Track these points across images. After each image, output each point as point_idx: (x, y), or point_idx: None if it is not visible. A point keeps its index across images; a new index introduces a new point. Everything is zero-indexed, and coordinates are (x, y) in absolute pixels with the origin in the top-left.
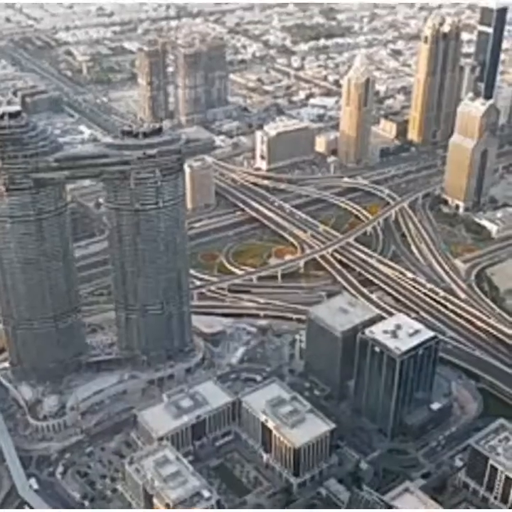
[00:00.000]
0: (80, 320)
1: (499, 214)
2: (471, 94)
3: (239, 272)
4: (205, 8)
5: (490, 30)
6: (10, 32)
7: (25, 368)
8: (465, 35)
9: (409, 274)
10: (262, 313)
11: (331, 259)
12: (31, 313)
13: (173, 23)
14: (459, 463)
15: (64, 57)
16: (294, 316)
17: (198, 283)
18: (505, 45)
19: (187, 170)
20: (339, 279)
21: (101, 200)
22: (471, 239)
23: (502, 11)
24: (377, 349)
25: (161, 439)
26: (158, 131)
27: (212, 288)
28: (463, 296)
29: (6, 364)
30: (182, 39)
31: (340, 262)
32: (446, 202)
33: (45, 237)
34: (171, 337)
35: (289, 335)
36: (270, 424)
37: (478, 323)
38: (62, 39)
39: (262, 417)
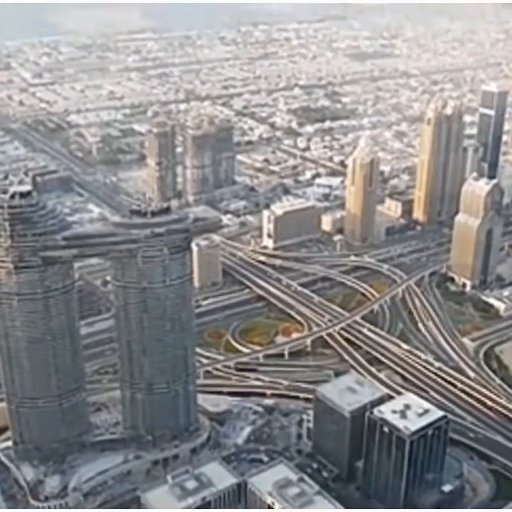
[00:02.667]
0: (84, 399)
1: (506, 292)
2: (474, 174)
3: (245, 351)
4: (214, 92)
5: (492, 112)
6: (23, 115)
7: (28, 448)
8: (467, 117)
9: (417, 353)
10: (268, 392)
11: (338, 338)
12: (35, 392)
13: (182, 106)
14: None
15: (75, 139)
16: (301, 395)
17: (204, 361)
18: (506, 126)
19: (194, 248)
20: (346, 357)
21: (108, 278)
22: (478, 317)
23: (503, 95)
24: (386, 429)
25: None
26: (166, 211)
27: (219, 366)
28: (472, 375)
29: (9, 443)
30: (190, 121)
31: (347, 340)
32: (453, 280)
33: (52, 314)
34: (176, 416)
35: (296, 414)
36: (277, 507)
37: (489, 402)
38: (73, 121)
39: (269, 499)
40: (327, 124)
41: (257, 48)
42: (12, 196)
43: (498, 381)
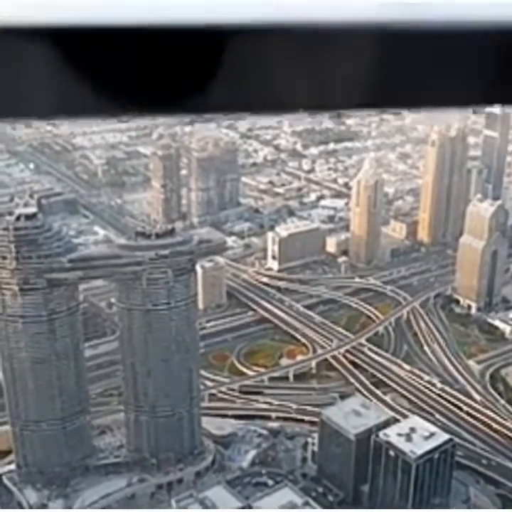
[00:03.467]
0: (88, 421)
1: None
2: (479, 196)
3: (250, 373)
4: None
5: (496, 134)
6: (29, 137)
7: (32, 471)
8: (471, 139)
9: (423, 375)
10: (273, 415)
11: (343, 360)
12: (39, 414)
13: (187, 129)
14: None
15: (80, 161)
16: (306, 418)
17: (209, 384)
18: (510, 148)
19: (199, 270)
20: (351, 380)
21: (113, 300)
22: (484, 339)
23: (507, 116)
24: (391, 453)
25: None
26: (171, 232)
27: (223, 389)
28: (478, 397)
29: (12, 466)
30: (195, 143)
31: (352, 362)
32: (458, 302)
33: (57, 337)
34: (180, 439)
35: (301, 437)
36: None
37: (495, 425)
38: (79, 144)
39: None
40: (331, 146)
41: None
42: (17, 218)
43: (504, 404)
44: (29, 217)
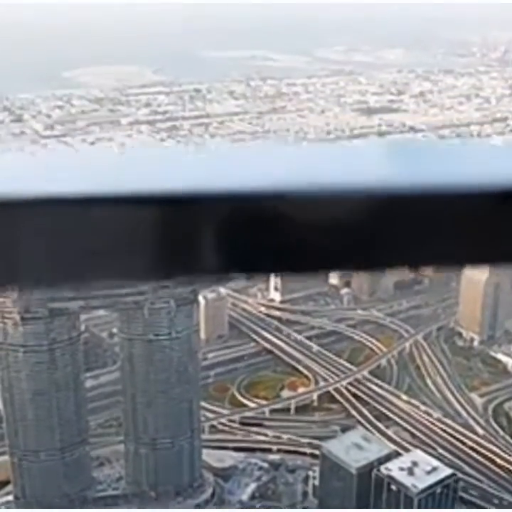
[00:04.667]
0: (87, 453)
1: None
2: None
3: (251, 405)
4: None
5: None
6: None
7: (30, 502)
8: None
9: (425, 409)
10: (274, 447)
11: (345, 393)
12: (38, 445)
13: None
14: None
15: None
16: (308, 451)
17: (210, 415)
18: None
19: (201, 301)
20: (353, 413)
21: (114, 330)
22: (487, 372)
23: None
24: (393, 487)
25: None
26: None
27: (224, 421)
28: (481, 431)
29: (10, 498)
30: None
31: (354, 395)
32: (460, 335)
33: (57, 366)
34: (180, 472)
35: (302, 471)
36: None
37: (498, 460)
38: None
39: None
40: None
41: (265, 102)
42: None
43: (508, 438)
44: None
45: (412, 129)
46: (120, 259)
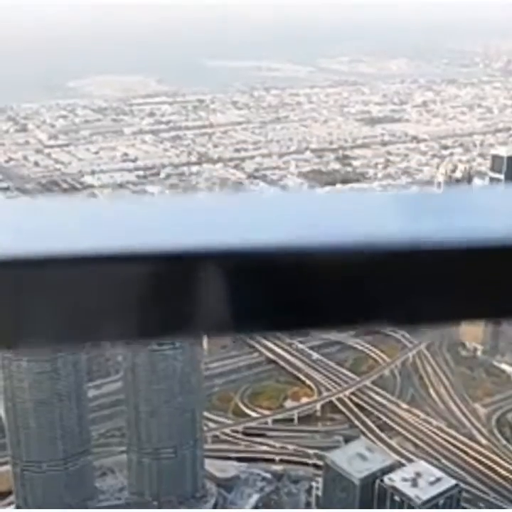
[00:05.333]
0: (90, 463)
1: None
2: None
3: (254, 415)
4: (226, 155)
5: (501, 176)
6: (38, 175)
7: None
8: (477, 181)
9: (429, 419)
10: (277, 457)
11: (349, 403)
12: (40, 455)
13: (195, 169)
14: None
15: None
16: (311, 462)
17: (212, 425)
18: None
19: None
20: (356, 423)
21: None
22: (490, 383)
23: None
24: (397, 498)
25: None
26: None
27: (227, 431)
28: (484, 442)
29: (12, 508)
30: (202, 183)
31: (357, 405)
32: (464, 345)
33: (60, 376)
34: (183, 482)
35: (305, 481)
36: None
37: (502, 471)
38: (87, 182)
39: None
40: (338, 186)
41: (269, 112)
42: None
43: None
44: None
45: (415, 138)
46: (128, 318)
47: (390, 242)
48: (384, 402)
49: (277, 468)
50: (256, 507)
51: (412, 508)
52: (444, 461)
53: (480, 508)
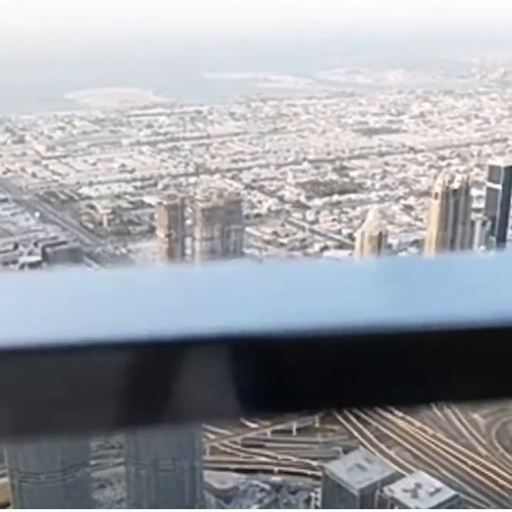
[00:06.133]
0: (88, 474)
1: None
2: (483, 248)
3: (253, 426)
4: (223, 166)
5: (499, 186)
6: (35, 186)
7: None
8: (474, 191)
9: (427, 429)
10: (276, 468)
11: (347, 413)
12: (39, 467)
13: (192, 179)
14: None
15: (86, 210)
16: (310, 472)
17: (211, 436)
18: None
19: None
20: (355, 434)
21: None
22: None
23: (509, 169)
24: (397, 509)
25: None
26: None
27: (225, 442)
28: (484, 452)
29: None
30: (200, 194)
31: (356, 416)
32: None
33: None
34: (181, 493)
35: (304, 492)
36: None
37: (501, 481)
38: (85, 193)
39: None
40: (335, 197)
41: (266, 123)
42: (21, 267)
43: (511, 459)
44: (33, 265)
45: (412, 149)
46: (112, 408)
47: (371, 326)
48: (383, 412)
49: (276, 479)
50: None
51: None
52: (443, 471)
53: None
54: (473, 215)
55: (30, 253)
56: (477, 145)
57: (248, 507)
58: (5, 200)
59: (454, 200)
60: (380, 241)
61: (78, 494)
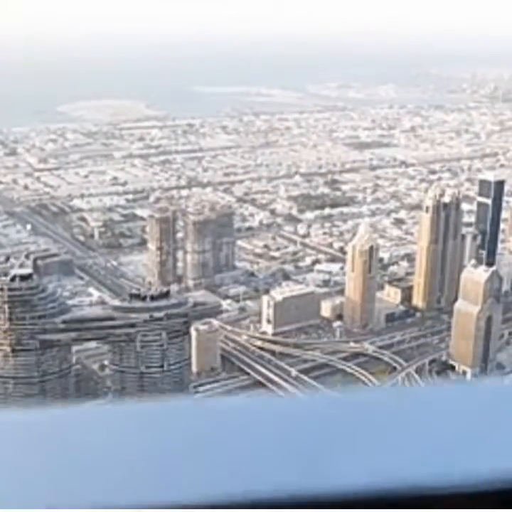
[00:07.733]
0: None
1: (507, 381)
2: (473, 262)
3: None
4: (215, 179)
5: (489, 201)
6: (27, 199)
7: None
8: (465, 206)
9: None
10: None
11: None
12: None
13: (184, 192)
14: None
15: (77, 223)
16: None
17: None
18: (504, 215)
19: (193, 333)
20: None
21: (106, 362)
22: None
23: (500, 184)
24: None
25: None
26: (166, 295)
27: None
28: None
29: None
30: (192, 207)
31: None
32: (453, 368)
33: (48, 399)
34: None
35: None
36: None
37: None
38: (76, 206)
39: None
40: (327, 211)
41: (258, 136)
42: (12, 279)
43: None
44: (24, 278)
45: (403, 163)
46: None
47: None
48: None
49: None
50: None
51: None
52: None
53: None
54: (464, 229)
55: (21, 265)
56: (467, 159)
57: None
58: None
59: (445, 214)
60: (371, 255)
61: None
